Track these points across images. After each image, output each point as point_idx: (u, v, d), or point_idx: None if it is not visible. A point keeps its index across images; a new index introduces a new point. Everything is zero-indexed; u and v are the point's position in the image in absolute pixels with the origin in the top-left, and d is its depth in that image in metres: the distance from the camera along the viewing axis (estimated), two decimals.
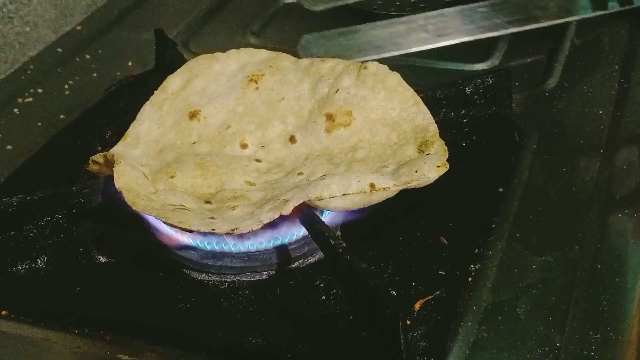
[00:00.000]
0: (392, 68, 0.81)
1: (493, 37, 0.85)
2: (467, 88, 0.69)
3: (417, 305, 0.53)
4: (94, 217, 0.61)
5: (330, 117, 0.65)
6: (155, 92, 0.68)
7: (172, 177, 0.60)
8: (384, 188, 0.56)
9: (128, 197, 0.56)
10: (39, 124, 0.74)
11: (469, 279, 0.55)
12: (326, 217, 0.59)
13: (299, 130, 0.65)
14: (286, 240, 0.59)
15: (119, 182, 0.57)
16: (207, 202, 0.59)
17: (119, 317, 0.55)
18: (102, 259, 0.59)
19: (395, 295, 0.51)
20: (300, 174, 0.61)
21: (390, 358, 0.48)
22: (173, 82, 0.69)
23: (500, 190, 0.63)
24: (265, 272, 0.57)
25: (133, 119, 0.66)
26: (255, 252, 0.58)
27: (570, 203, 0.62)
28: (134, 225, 0.60)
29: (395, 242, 0.58)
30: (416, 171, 0.57)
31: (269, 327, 0.52)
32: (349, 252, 0.52)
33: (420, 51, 0.84)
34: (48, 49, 0.88)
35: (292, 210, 0.55)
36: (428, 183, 0.57)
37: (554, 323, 0.52)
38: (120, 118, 0.72)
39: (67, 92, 0.79)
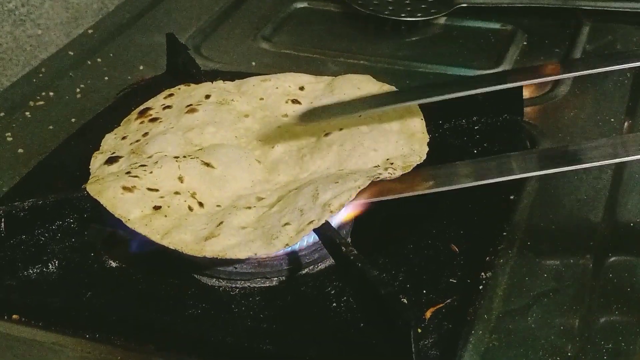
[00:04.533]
0: (402, 74, 0.81)
1: (504, 44, 0.85)
2: (478, 94, 0.69)
3: (428, 314, 0.53)
4: (105, 222, 0.61)
5: None
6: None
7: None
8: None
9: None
10: (51, 127, 0.75)
11: (480, 287, 0.55)
12: (336, 224, 0.59)
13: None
14: (297, 247, 0.59)
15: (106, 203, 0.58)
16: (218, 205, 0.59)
17: (129, 322, 0.55)
18: (113, 264, 0.59)
19: (406, 303, 0.51)
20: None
21: None
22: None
23: (512, 197, 0.63)
24: (276, 279, 0.57)
25: None
26: (265, 257, 0.58)
27: (581, 211, 0.62)
28: None
29: (406, 250, 0.58)
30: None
31: (279, 334, 0.52)
32: (360, 260, 0.52)
33: (430, 57, 0.84)
34: (59, 52, 0.88)
35: None
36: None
37: (565, 332, 0.52)
38: None
39: (78, 96, 0.79)
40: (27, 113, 0.77)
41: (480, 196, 0.63)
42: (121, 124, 0.68)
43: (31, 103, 0.78)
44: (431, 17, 0.90)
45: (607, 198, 0.63)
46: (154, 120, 0.67)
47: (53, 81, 0.82)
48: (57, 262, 0.59)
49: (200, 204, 0.59)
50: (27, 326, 0.55)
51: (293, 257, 0.58)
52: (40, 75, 0.83)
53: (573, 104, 0.74)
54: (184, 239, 0.55)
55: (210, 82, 0.72)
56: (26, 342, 0.54)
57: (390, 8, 0.91)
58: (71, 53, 0.87)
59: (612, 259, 0.57)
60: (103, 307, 0.55)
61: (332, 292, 0.55)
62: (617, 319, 0.53)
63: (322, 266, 0.58)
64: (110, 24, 0.93)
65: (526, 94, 0.72)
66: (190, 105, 0.68)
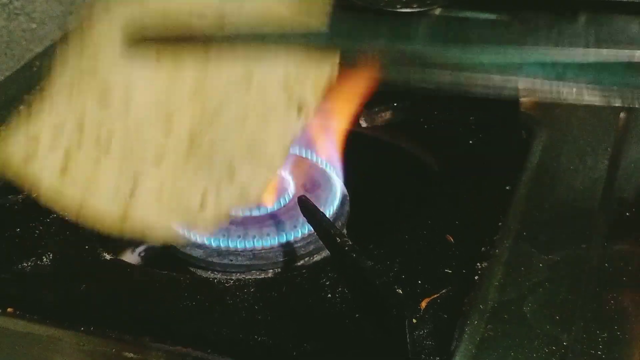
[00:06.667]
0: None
1: None
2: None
3: (423, 304, 0.53)
4: None
5: None
6: None
7: None
8: None
9: None
10: None
11: (476, 278, 0.55)
12: (332, 215, 0.59)
13: None
14: (291, 237, 0.59)
15: None
16: None
17: (124, 314, 0.54)
18: (108, 257, 0.59)
19: (401, 294, 0.51)
20: None
21: (396, 357, 0.48)
22: None
23: (507, 188, 0.63)
24: (271, 270, 0.57)
25: None
26: (261, 249, 0.58)
27: (577, 201, 0.62)
28: None
29: (401, 240, 0.58)
30: None
31: (274, 326, 0.52)
32: (354, 251, 0.52)
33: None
34: (54, 46, 0.88)
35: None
36: None
37: (560, 322, 0.52)
38: None
39: None
40: (22, 107, 0.77)
41: (476, 186, 0.63)
42: None
43: (26, 97, 0.78)
44: (427, 9, 0.89)
45: (604, 188, 0.63)
46: None
47: (47, 75, 0.82)
48: (51, 255, 0.58)
49: (106, 148, 0.54)
50: (22, 319, 0.55)
51: (288, 249, 0.58)
52: (35, 68, 0.83)
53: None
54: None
55: None
56: (21, 334, 0.54)
57: None
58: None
59: (608, 248, 0.57)
60: (98, 299, 0.55)
61: (327, 283, 0.55)
62: (612, 309, 0.53)
63: (317, 258, 0.58)
64: None
65: None
66: None
